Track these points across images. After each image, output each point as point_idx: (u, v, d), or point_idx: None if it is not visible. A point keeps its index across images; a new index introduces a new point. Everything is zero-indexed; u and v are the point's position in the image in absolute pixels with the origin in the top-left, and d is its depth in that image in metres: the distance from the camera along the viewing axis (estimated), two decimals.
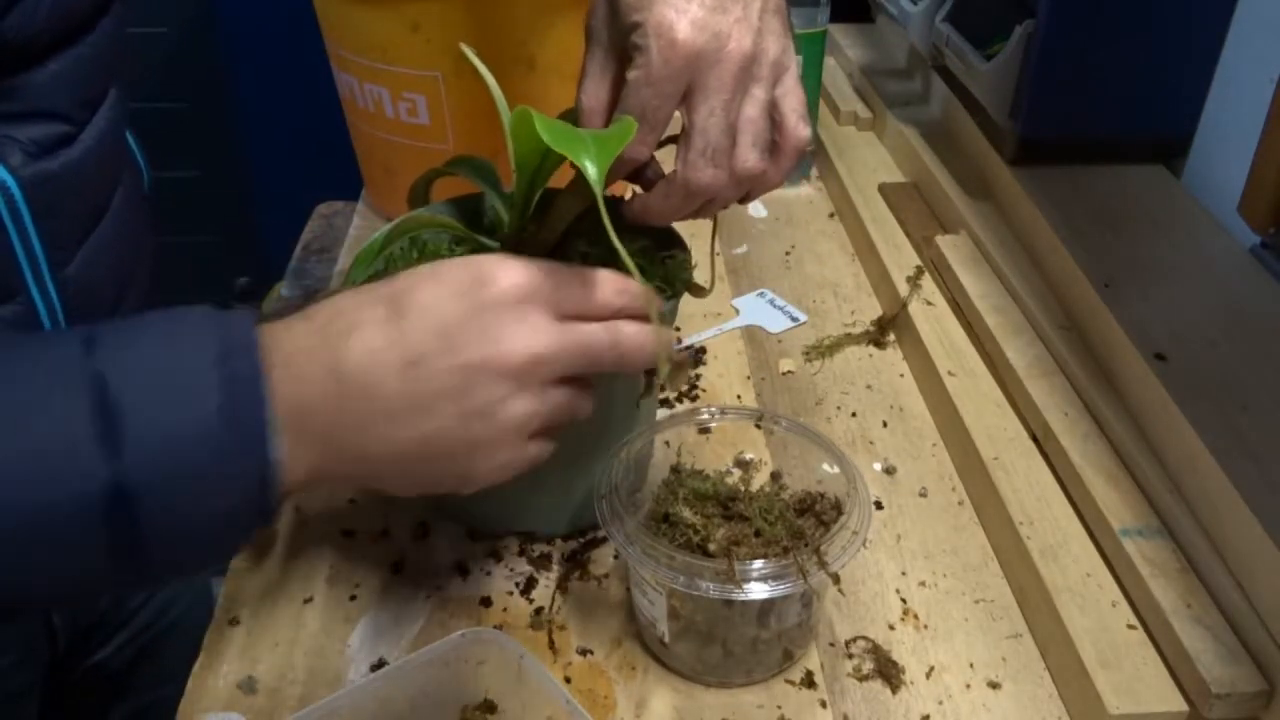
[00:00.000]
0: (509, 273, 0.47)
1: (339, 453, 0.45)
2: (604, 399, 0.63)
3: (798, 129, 0.54)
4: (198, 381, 0.41)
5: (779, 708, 0.58)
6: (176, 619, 0.82)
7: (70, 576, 0.41)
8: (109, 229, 0.60)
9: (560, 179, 0.59)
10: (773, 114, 0.54)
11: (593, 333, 0.49)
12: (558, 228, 0.59)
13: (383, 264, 0.61)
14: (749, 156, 0.53)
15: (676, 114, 0.53)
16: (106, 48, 0.57)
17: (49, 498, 0.39)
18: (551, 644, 0.61)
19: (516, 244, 0.60)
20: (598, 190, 0.46)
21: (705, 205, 0.55)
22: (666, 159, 0.55)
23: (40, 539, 0.39)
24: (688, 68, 0.50)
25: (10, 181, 0.51)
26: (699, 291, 0.65)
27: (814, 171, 1.11)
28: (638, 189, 0.57)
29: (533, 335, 0.47)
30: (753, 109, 0.53)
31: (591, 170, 0.46)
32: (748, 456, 0.68)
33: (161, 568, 0.42)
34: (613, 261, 0.61)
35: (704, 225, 0.68)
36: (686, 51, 0.50)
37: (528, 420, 0.48)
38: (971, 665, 0.61)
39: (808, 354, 0.85)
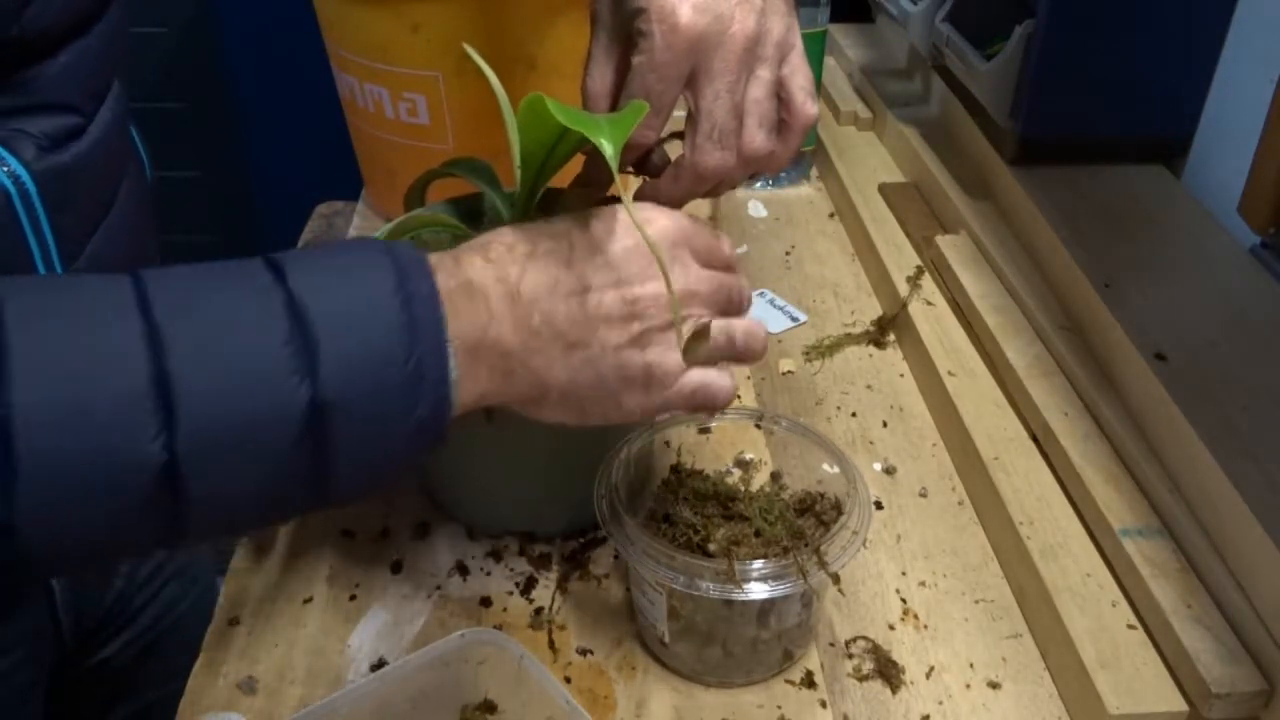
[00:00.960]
0: (663, 217, 0.51)
1: (510, 375, 0.48)
2: None
3: (805, 107, 0.55)
4: (381, 306, 0.43)
5: (779, 708, 0.58)
6: (181, 616, 0.82)
7: (270, 490, 0.43)
8: (116, 221, 0.60)
9: (560, 180, 0.59)
10: (780, 93, 0.55)
11: (730, 279, 0.53)
12: None
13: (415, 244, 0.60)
14: (756, 137, 0.54)
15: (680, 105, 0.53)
16: (111, 39, 0.58)
17: (254, 409, 0.40)
18: (551, 644, 0.61)
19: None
20: (613, 165, 0.47)
21: (715, 186, 0.56)
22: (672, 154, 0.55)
23: (248, 448, 0.40)
24: (691, 51, 0.51)
25: (24, 175, 0.52)
26: (692, 355, 0.65)
27: (814, 171, 1.11)
28: (645, 179, 0.58)
29: (686, 273, 0.51)
30: (758, 90, 0.53)
31: (608, 147, 0.46)
32: (748, 456, 0.68)
33: (345, 483, 0.44)
34: None
35: None
36: (689, 35, 0.50)
37: (680, 360, 0.50)
38: (971, 665, 0.61)
39: (808, 354, 0.85)
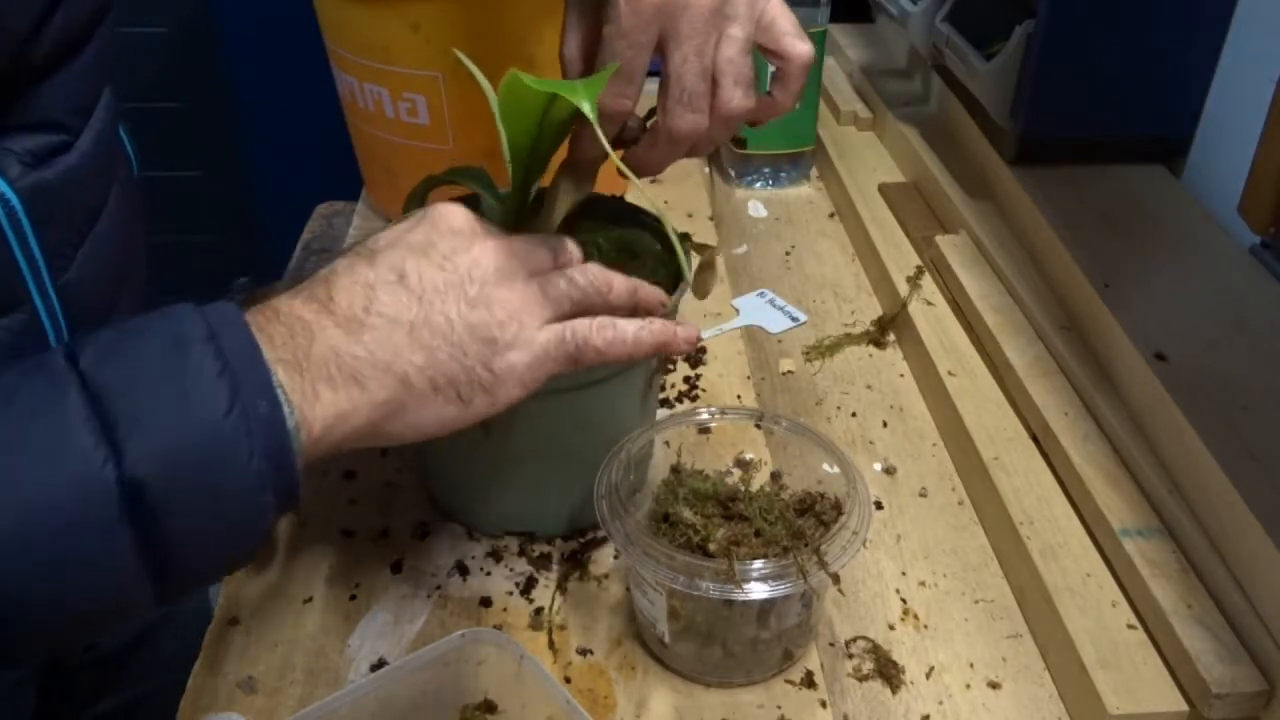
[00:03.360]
0: (454, 209, 0.51)
1: (361, 380, 0.45)
2: (604, 398, 0.63)
3: (796, 47, 0.55)
4: (189, 363, 0.40)
5: (779, 708, 0.58)
6: (171, 611, 0.82)
7: (105, 593, 0.40)
8: (105, 228, 0.60)
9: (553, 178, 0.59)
10: (767, 43, 0.55)
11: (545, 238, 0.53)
12: (555, 216, 0.59)
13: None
14: (733, 96, 0.54)
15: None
16: (101, 54, 0.57)
17: (66, 511, 0.37)
18: (551, 644, 0.61)
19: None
20: (592, 116, 0.47)
21: (695, 147, 0.56)
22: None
23: (68, 555, 0.38)
24: (657, 15, 0.51)
25: (10, 194, 0.51)
26: (702, 284, 0.65)
27: (814, 171, 1.11)
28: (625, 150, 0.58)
29: (504, 240, 0.50)
30: (730, 49, 0.53)
31: (585, 104, 0.47)
32: (748, 456, 0.68)
33: (192, 565, 0.41)
34: (619, 259, 0.61)
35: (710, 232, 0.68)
36: (654, 1, 0.51)
37: (530, 301, 0.49)
38: (971, 665, 0.61)
39: (808, 354, 0.85)
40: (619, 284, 0.54)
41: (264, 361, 0.42)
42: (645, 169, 0.57)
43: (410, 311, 0.46)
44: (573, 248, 0.55)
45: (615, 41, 0.52)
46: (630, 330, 0.52)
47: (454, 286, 0.48)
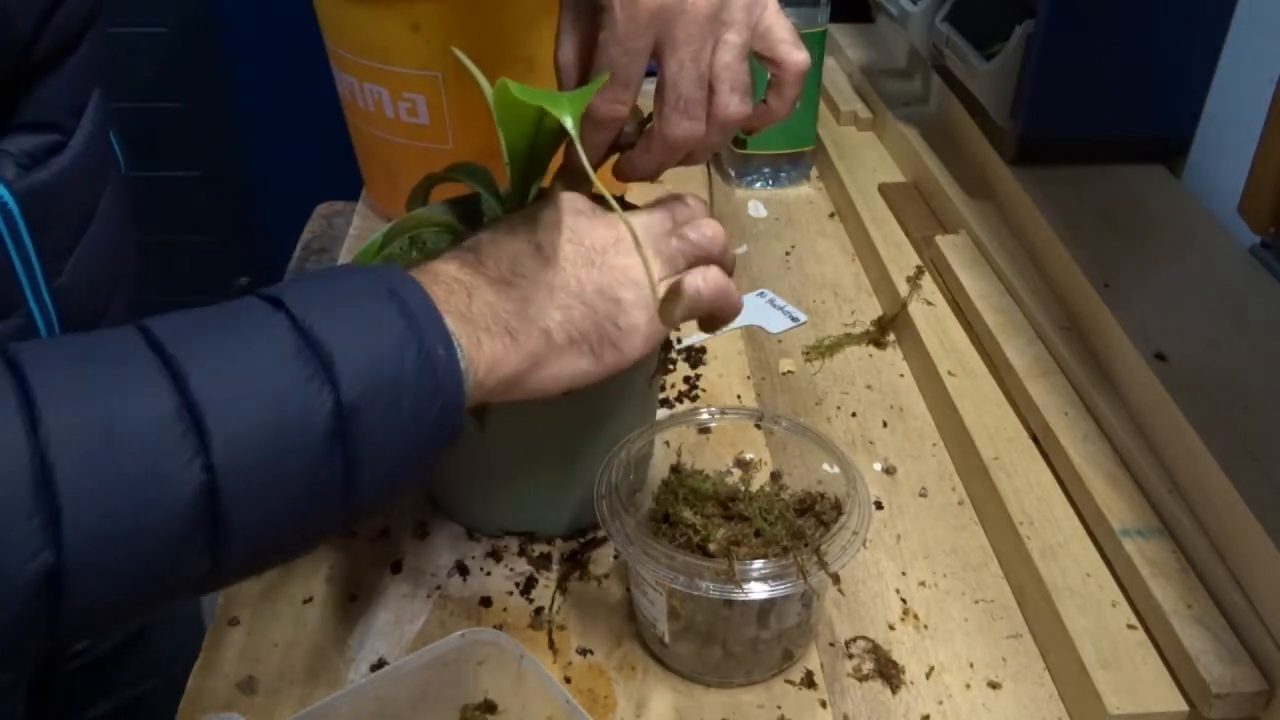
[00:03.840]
0: (576, 195, 0.55)
1: (513, 333, 0.49)
2: (603, 398, 0.63)
3: (792, 55, 0.57)
4: (380, 309, 0.45)
5: (779, 708, 0.58)
6: (167, 612, 0.82)
7: (305, 504, 0.43)
8: (98, 230, 0.60)
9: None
10: (762, 51, 0.56)
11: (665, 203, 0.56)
12: None
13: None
14: (729, 103, 0.55)
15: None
16: (93, 53, 0.57)
17: (281, 420, 0.41)
18: (551, 644, 0.61)
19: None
20: (574, 132, 0.48)
21: (691, 154, 0.57)
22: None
23: (281, 460, 0.41)
24: (653, 22, 0.52)
25: (7, 197, 0.51)
26: (667, 312, 0.65)
27: (814, 171, 1.11)
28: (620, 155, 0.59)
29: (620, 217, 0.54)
30: (727, 54, 0.54)
31: (568, 119, 0.48)
32: (748, 456, 0.68)
33: (375, 486, 0.45)
34: None
35: None
36: (649, 7, 0.51)
37: (657, 258, 0.53)
38: (971, 665, 0.61)
39: (808, 354, 0.85)
40: (729, 247, 0.57)
41: (439, 312, 0.46)
42: (640, 174, 0.58)
43: (548, 275, 0.51)
44: (694, 203, 0.57)
45: (610, 48, 0.52)
46: (730, 286, 0.55)
47: (582, 255, 0.52)
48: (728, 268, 0.56)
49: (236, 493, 0.40)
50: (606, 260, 0.52)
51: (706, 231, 0.55)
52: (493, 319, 0.49)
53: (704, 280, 0.53)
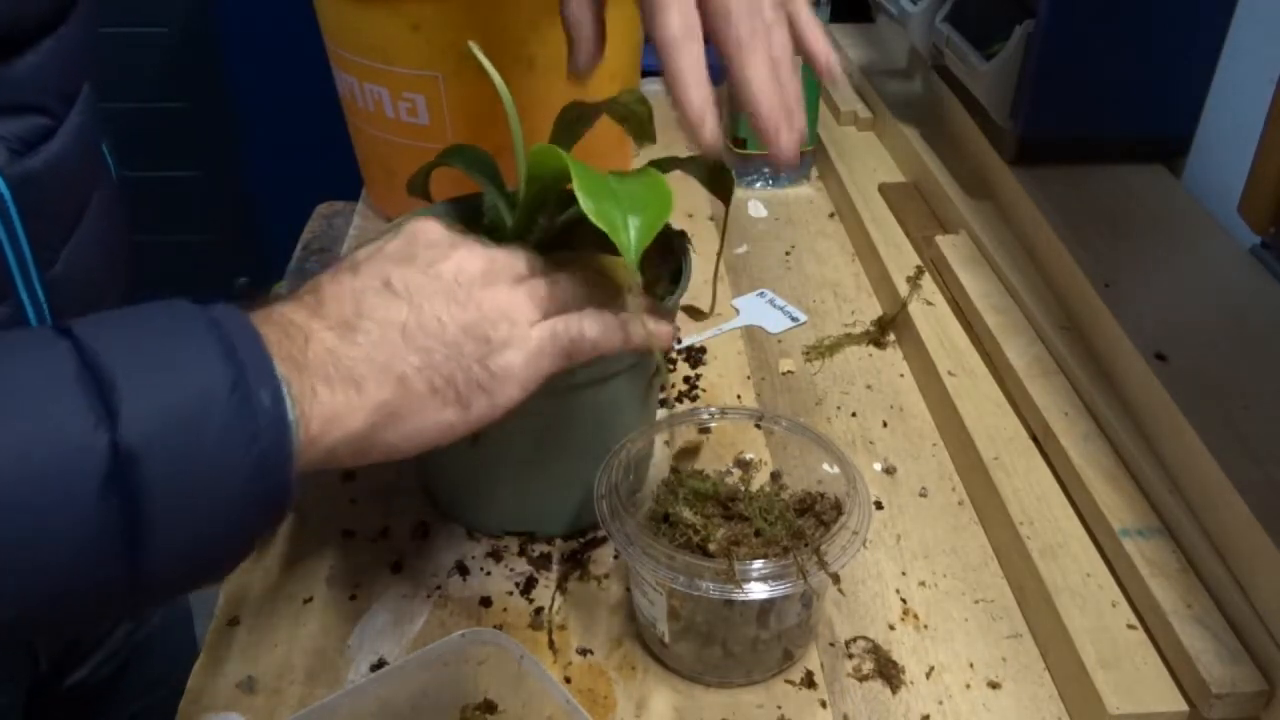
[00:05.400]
0: (430, 222, 0.51)
1: (359, 382, 0.44)
2: (604, 398, 0.63)
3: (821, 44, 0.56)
4: (189, 335, 0.39)
5: (779, 708, 0.58)
6: (154, 630, 0.81)
7: (82, 569, 0.37)
8: (89, 228, 0.60)
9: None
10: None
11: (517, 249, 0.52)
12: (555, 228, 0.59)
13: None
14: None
15: None
16: (81, 40, 0.57)
17: (54, 470, 0.35)
18: (551, 644, 0.61)
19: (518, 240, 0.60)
20: (633, 278, 0.47)
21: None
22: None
23: (50, 519, 0.35)
24: None
25: None
26: (698, 315, 0.65)
27: (814, 171, 1.11)
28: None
29: (483, 249, 0.50)
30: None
31: (631, 254, 0.47)
32: (748, 456, 0.68)
33: (170, 551, 0.38)
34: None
35: (709, 247, 0.67)
36: None
37: (516, 303, 0.49)
38: (971, 665, 0.61)
39: (808, 354, 0.85)
40: (599, 290, 0.54)
41: (267, 351, 0.41)
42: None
43: (401, 314, 0.46)
44: (543, 264, 0.54)
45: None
46: (616, 322, 0.52)
47: (440, 290, 0.47)
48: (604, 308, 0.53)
49: None
50: (471, 294, 0.47)
51: (576, 282, 0.52)
52: (333, 367, 0.43)
53: (587, 324, 0.50)
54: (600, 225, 0.47)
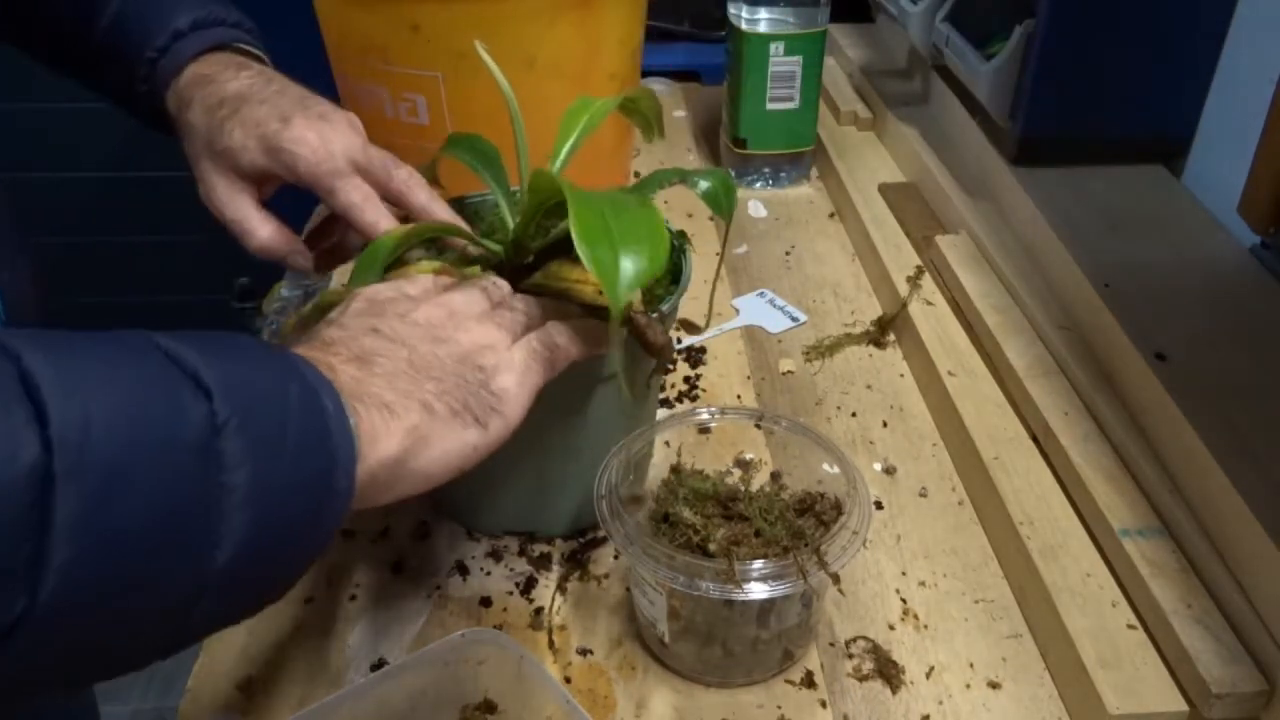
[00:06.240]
0: (382, 285, 0.54)
1: (384, 408, 0.44)
2: (602, 399, 0.63)
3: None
4: (253, 351, 0.41)
5: (779, 708, 0.58)
6: None
7: (164, 543, 0.35)
8: None
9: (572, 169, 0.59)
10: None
11: (472, 283, 0.55)
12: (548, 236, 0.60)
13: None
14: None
15: None
16: None
17: (146, 436, 0.35)
18: (551, 644, 0.61)
19: (518, 248, 0.60)
20: (617, 322, 0.49)
21: None
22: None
23: (137, 480, 0.34)
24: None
25: None
26: (693, 329, 0.65)
27: (814, 171, 1.11)
28: None
29: (440, 294, 0.53)
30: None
31: (619, 304, 0.48)
32: (748, 456, 0.68)
33: (242, 544, 0.37)
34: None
35: (709, 247, 0.67)
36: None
37: (490, 334, 0.51)
38: (971, 665, 0.61)
39: (808, 354, 0.85)
40: (548, 309, 0.56)
41: (316, 368, 0.42)
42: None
43: (401, 352, 0.48)
44: (500, 281, 0.56)
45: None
46: (580, 324, 0.55)
47: (423, 333, 0.49)
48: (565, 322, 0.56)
49: (76, 486, 0.32)
50: (450, 335, 0.50)
51: (530, 307, 0.55)
52: (364, 392, 0.44)
53: (557, 333, 0.53)
54: (593, 272, 0.47)
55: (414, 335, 0.49)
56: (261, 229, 0.63)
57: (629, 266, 0.48)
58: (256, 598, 0.41)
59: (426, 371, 0.47)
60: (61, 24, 0.69)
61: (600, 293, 0.54)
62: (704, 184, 0.59)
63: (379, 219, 0.60)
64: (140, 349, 0.37)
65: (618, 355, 0.56)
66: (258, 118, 0.61)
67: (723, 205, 0.58)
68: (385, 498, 0.45)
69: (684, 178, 0.60)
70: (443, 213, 0.62)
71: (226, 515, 0.37)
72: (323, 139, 0.61)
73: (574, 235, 0.47)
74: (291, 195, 0.64)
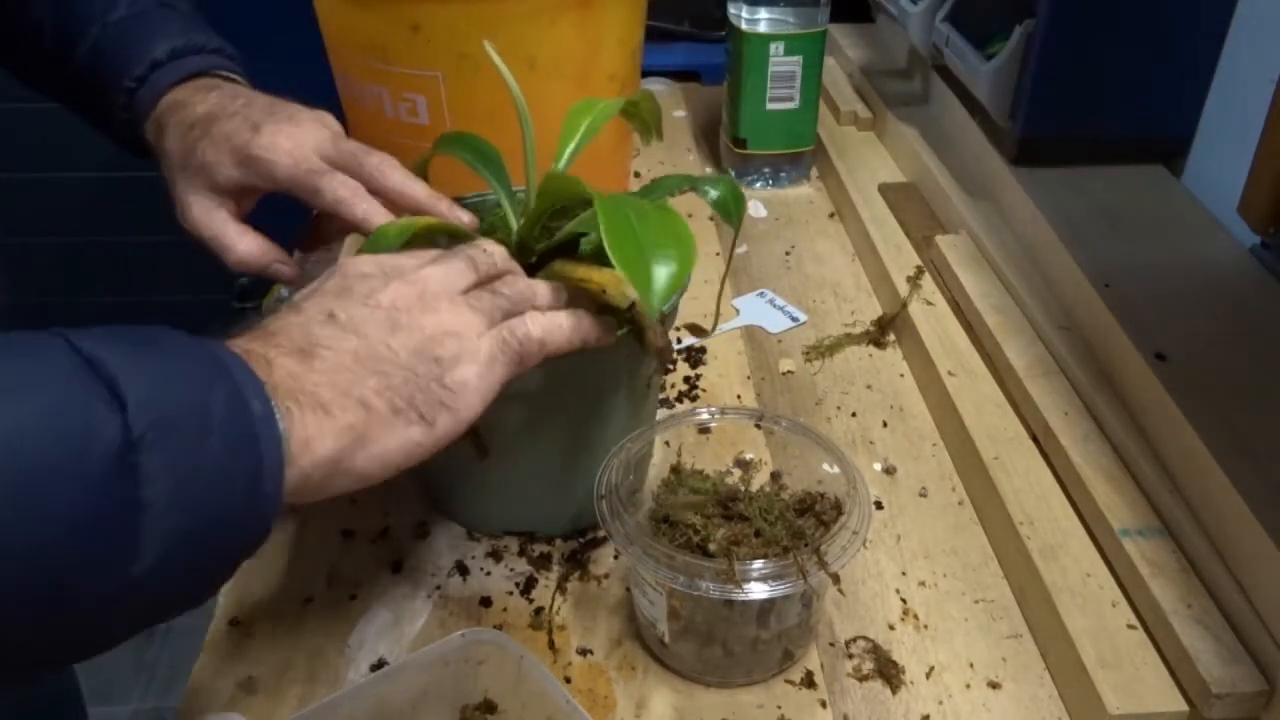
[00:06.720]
0: (360, 258, 0.52)
1: (326, 407, 0.43)
2: (603, 398, 0.63)
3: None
4: (184, 350, 0.40)
5: (779, 708, 0.58)
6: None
7: (72, 566, 0.35)
8: None
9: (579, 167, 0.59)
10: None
11: (460, 253, 0.53)
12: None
13: None
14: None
15: None
16: None
17: (56, 451, 0.34)
18: (551, 644, 0.61)
19: (522, 249, 0.60)
20: (651, 338, 0.50)
21: None
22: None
23: (50, 504, 0.34)
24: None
25: None
26: (700, 332, 0.65)
27: (814, 171, 1.11)
28: None
29: (418, 271, 0.51)
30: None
31: (652, 313, 0.48)
32: (748, 456, 0.68)
33: (162, 555, 0.37)
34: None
35: (709, 247, 0.67)
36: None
37: (460, 319, 0.49)
38: (971, 665, 0.61)
39: (808, 354, 0.85)
40: (543, 290, 0.54)
41: (251, 367, 0.41)
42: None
43: (350, 343, 0.46)
44: (492, 249, 0.54)
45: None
46: (563, 316, 0.52)
47: (382, 319, 0.47)
48: (555, 308, 0.54)
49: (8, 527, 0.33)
50: (413, 320, 0.48)
51: (519, 286, 0.53)
52: (299, 390, 0.43)
53: (531, 323, 0.51)
54: (628, 280, 0.48)
55: (370, 322, 0.47)
56: (239, 242, 0.63)
57: (661, 273, 0.48)
58: (184, 600, 0.40)
59: (373, 365, 0.46)
60: (44, 51, 0.69)
61: (604, 291, 0.54)
62: (714, 192, 0.59)
63: (371, 211, 0.60)
64: (55, 359, 0.36)
65: (653, 361, 0.55)
66: (227, 131, 0.61)
67: (732, 214, 0.58)
68: (323, 495, 0.44)
69: (694, 185, 0.60)
70: (419, 191, 0.61)
71: (145, 528, 0.36)
72: (295, 141, 0.61)
73: (606, 243, 0.47)
74: (276, 206, 0.65)
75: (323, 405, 0.43)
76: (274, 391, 0.41)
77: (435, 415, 0.47)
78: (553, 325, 0.52)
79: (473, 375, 0.48)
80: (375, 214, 0.60)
